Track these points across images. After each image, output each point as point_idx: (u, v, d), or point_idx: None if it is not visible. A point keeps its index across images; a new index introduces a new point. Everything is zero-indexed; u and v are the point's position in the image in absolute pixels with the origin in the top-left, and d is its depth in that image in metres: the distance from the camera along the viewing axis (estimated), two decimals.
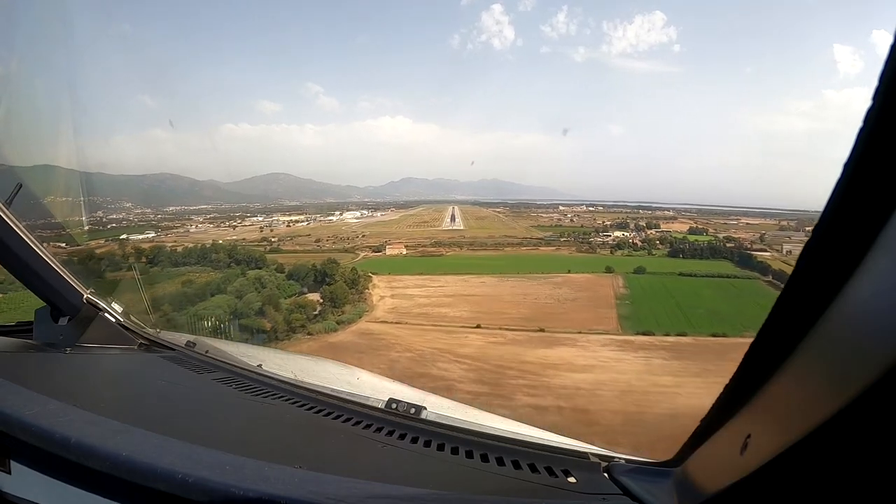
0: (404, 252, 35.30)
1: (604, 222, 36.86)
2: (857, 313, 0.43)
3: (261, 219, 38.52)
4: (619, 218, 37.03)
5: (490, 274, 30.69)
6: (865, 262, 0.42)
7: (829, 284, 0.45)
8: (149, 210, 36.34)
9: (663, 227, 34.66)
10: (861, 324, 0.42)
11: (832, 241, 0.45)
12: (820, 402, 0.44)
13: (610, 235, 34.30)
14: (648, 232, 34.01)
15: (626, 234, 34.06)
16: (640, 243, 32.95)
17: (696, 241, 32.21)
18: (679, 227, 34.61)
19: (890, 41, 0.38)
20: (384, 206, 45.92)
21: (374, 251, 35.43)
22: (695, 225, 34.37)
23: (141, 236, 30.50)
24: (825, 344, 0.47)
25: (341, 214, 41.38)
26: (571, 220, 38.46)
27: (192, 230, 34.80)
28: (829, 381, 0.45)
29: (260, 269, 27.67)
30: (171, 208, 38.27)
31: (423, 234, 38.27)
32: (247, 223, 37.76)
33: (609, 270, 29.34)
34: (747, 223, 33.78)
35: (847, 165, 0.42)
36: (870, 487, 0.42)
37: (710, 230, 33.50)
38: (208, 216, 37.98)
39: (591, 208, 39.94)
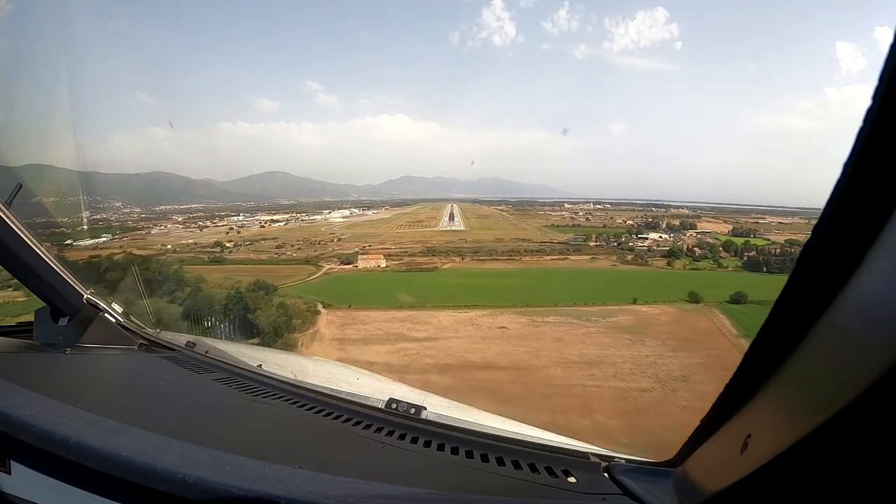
0: (383, 264, 24.63)
1: (625, 221, 31.37)
2: (857, 313, 0.43)
3: (240, 218, 34.95)
4: (633, 216, 32.60)
5: (512, 307, 18.56)
6: (865, 262, 0.42)
7: (829, 284, 0.45)
8: (138, 209, 33.66)
9: (699, 227, 28.37)
10: (861, 323, 0.42)
11: (832, 240, 0.45)
12: (820, 402, 0.44)
13: (647, 238, 27.65)
14: (687, 233, 27.74)
15: (662, 236, 27.75)
16: (698, 250, 25.22)
17: (758, 245, 24.88)
18: (715, 228, 27.90)
19: (890, 40, 0.38)
20: (379, 205, 44.23)
21: (342, 263, 24.47)
22: (727, 225, 28.03)
23: (89, 241, 23.13)
24: (825, 344, 0.47)
25: (329, 213, 37.43)
26: (587, 219, 33.40)
27: (153, 232, 30.13)
28: (829, 381, 0.45)
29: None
30: (160, 207, 35.96)
31: (415, 236, 30.60)
32: (221, 223, 33.46)
33: (695, 300, 19.48)
34: (780, 222, 28.90)
35: (847, 165, 0.42)
36: (870, 488, 0.42)
37: (758, 232, 26.89)
38: (192, 215, 35.14)
39: (597, 206, 36.46)
